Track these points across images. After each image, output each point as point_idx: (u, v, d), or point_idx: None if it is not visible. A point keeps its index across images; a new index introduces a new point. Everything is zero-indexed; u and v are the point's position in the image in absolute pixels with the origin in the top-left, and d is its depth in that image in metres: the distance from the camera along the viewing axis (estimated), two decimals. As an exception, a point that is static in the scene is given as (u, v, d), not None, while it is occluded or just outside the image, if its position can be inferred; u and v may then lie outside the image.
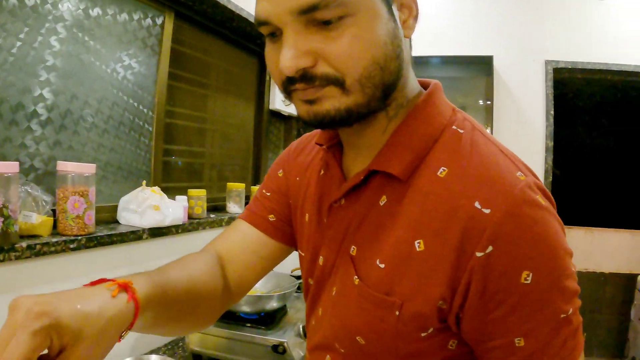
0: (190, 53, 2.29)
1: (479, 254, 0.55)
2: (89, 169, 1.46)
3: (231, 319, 1.60)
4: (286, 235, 0.92)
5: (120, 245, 1.60)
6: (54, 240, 1.34)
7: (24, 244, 1.25)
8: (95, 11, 1.69)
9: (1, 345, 0.44)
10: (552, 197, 0.60)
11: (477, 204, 0.56)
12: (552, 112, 3.58)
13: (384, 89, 0.62)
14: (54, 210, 1.44)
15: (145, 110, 1.97)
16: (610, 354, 3.76)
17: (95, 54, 1.70)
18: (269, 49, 0.64)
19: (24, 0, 1.42)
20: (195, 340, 1.57)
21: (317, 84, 0.59)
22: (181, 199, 2.00)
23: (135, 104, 1.91)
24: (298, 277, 1.97)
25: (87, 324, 0.50)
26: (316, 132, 0.87)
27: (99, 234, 1.50)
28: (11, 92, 1.41)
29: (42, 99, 1.50)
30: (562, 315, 0.55)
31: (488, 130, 0.69)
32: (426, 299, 0.59)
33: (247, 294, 0.95)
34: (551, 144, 3.59)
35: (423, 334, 0.62)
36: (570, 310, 0.56)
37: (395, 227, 0.64)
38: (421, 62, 3.66)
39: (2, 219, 1.18)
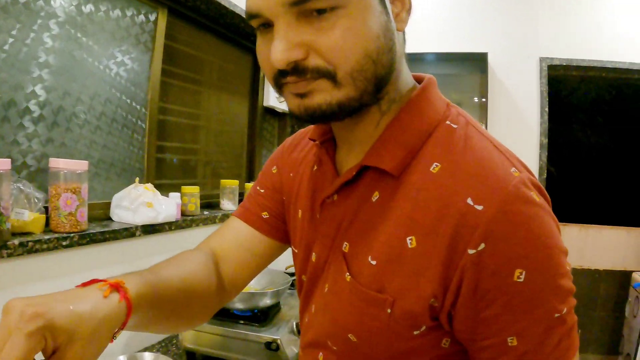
0: (184, 50, 2.28)
1: (471, 252, 0.54)
2: (81, 165, 1.45)
3: (225, 316, 1.60)
4: (280, 232, 0.91)
5: (113, 242, 1.59)
6: (46, 237, 1.33)
7: (16, 242, 1.24)
8: (88, 7, 1.67)
9: None
10: (547, 194, 0.60)
11: (469, 201, 0.56)
12: (547, 109, 3.58)
13: (376, 83, 0.61)
14: (46, 208, 1.43)
15: (138, 107, 1.96)
16: (605, 350, 3.77)
17: (88, 50, 1.69)
18: (260, 43, 0.63)
19: (16, -4, 1.42)
20: (188, 338, 1.57)
21: (308, 76, 0.58)
22: (174, 196, 1.99)
23: (128, 101, 1.90)
24: (292, 274, 1.97)
25: (80, 324, 0.50)
26: (310, 128, 0.86)
27: (92, 231, 1.49)
28: (3, 89, 1.40)
29: (34, 96, 1.49)
30: (556, 315, 0.54)
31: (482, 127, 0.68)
32: (418, 296, 0.59)
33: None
34: (546, 141, 3.59)
35: (415, 332, 0.61)
36: (565, 310, 0.55)
37: (387, 223, 0.63)
38: (415, 59, 3.65)
39: (-7, 217, 1.18)
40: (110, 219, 1.75)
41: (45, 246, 1.32)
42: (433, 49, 3.65)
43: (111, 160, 1.83)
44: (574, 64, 3.56)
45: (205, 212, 2.23)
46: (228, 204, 2.44)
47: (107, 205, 1.75)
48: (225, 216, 2.27)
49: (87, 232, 1.47)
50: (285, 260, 0.97)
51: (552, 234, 0.55)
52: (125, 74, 1.88)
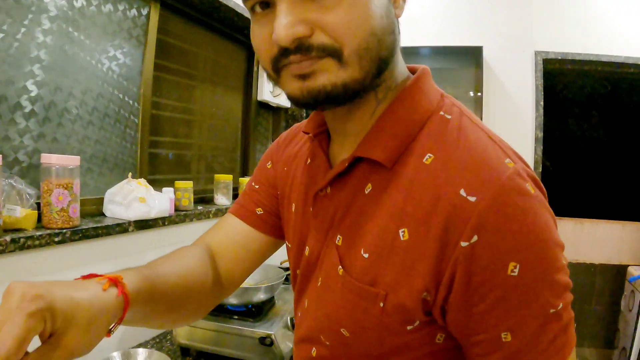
0: (177, 44, 2.27)
1: (463, 244, 0.53)
2: (73, 161, 1.44)
3: (219, 311, 1.60)
4: (275, 228, 0.91)
5: (105, 238, 1.58)
6: (39, 233, 1.32)
7: (7, 238, 1.23)
8: (80, 2, 1.66)
9: None
10: (542, 186, 0.58)
11: (462, 192, 0.55)
12: (542, 103, 3.58)
13: (379, 64, 0.60)
14: (38, 204, 1.42)
15: (130, 101, 1.94)
16: (600, 344, 3.79)
17: (80, 45, 1.68)
18: (256, 25, 0.61)
19: (6, -9, 1.40)
20: (182, 334, 1.56)
21: (313, 55, 0.56)
22: (167, 191, 1.98)
23: (121, 96, 1.89)
24: (286, 269, 1.97)
25: (79, 311, 0.51)
26: (305, 122, 0.86)
27: (84, 227, 1.48)
28: (-6, 84, 1.39)
29: (25, 91, 1.47)
30: (552, 310, 0.53)
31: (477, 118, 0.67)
32: (410, 290, 0.58)
33: (234, 286, 0.95)
34: (541, 134, 3.59)
35: (409, 327, 0.60)
36: (561, 305, 0.54)
37: (379, 215, 0.62)
38: (410, 53, 3.63)
39: (-16, 213, 1.17)
40: (103, 214, 1.74)
41: (37, 242, 1.31)
42: (427, 42, 3.65)
43: (104, 156, 1.82)
44: (569, 58, 3.56)
45: (199, 207, 2.22)
46: (222, 199, 2.43)
47: (100, 201, 1.74)
48: (219, 211, 2.27)
49: (80, 228, 1.46)
50: (280, 255, 0.97)
51: (547, 226, 0.54)
52: (118, 68, 1.86)
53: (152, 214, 1.76)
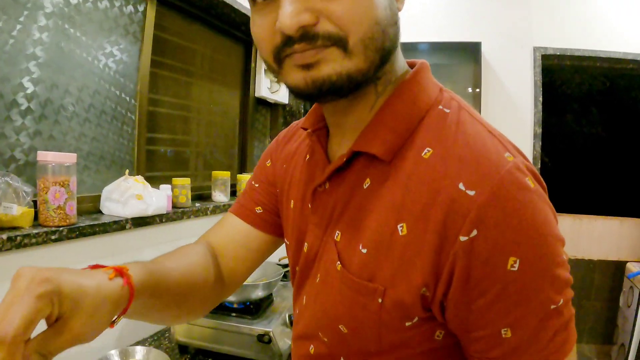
0: (174, 40, 2.25)
1: (462, 239, 0.53)
2: (69, 158, 1.43)
3: (217, 308, 1.59)
4: (274, 226, 0.91)
5: (103, 235, 1.57)
6: (35, 231, 1.32)
7: (4, 236, 1.23)
8: (75, -2, 1.65)
9: (6, 309, 0.46)
10: (542, 180, 0.58)
11: (461, 186, 0.54)
12: (541, 99, 3.58)
13: (383, 55, 0.60)
14: (35, 202, 1.41)
15: (127, 98, 1.93)
16: (599, 340, 3.80)
17: (76, 41, 1.67)
18: (258, 15, 0.60)
19: (2, -13, 1.39)
20: (181, 331, 1.56)
21: (319, 43, 0.55)
22: (165, 188, 1.97)
23: (117, 92, 1.88)
24: (285, 266, 1.97)
25: (86, 296, 0.53)
26: (303, 119, 0.86)
27: (81, 224, 1.47)
28: (-11, 81, 1.38)
29: (21, 89, 1.46)
30: (552, 306, 0.53)
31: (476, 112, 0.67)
32: (409, 285, 0.57)
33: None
34: (539, 130, 3.58)
35: (407, 324, 0.60)
36: (561, 301, 0.53)
37: (378, 210, 0.62)
38: (408, 48, 3.62)
39: (-21, 211, 1.16)
40: (100, 212, 1.73)
41: (34, 240, 1.31)
42: (426, 38, 3.64)
43: (100, 153, 1.81)
44: (568, 54, 3.56)
45: (197, 204, 2.21)
46: (220, 196, 2.42)
47: (97, 198, 1.73)
48: (217, 208, 2.26)
49: (77, 225, 1.45)
50: (279, 251, 0.98)
51: (547, 221, 0.53)
52: (114, 65, 1.86)
53: (150, 211, 1.75)
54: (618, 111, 3.91)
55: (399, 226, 0.59)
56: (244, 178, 2.65)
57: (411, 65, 0.71)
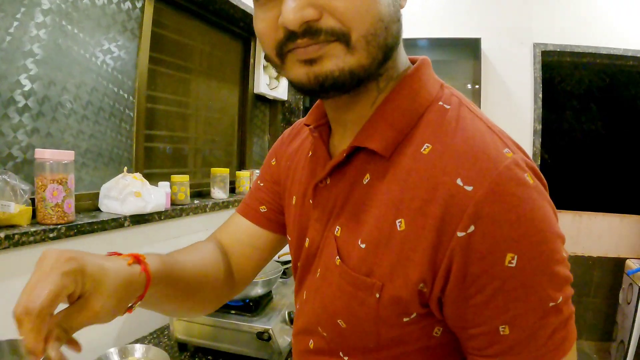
0: (172, 37, 2.25)
1: (460, 234, 0.53)
2: (67, 156, 1.42)
3: (216, 306, 1.59)
4: (279, 225, 0.93)
5: (101, 233, 1.57)
6: (33, 229, 1.31)
7: (2, 234, 1.22)
8: (73, -6, 1.64)
9: (34, 284, 0.51)
10: (542, 177, 0.58)
11: (459, 181, 0.54)
12: (541, 96, 3.57)
13: (385, 51, 0.60)
14: (33, 200, 1.41)
15: (125, 95, 1.93)
16: (598, 337, 3.81)
17: (74, 38, 1.66)
18: (260, 10, 0.60)
19: (-1, -16, 1.38)
20: (180, 329, 1.56)
21: (321, 39, 0.55)
22: (163, 185, 1.97)
23: (115, 89, 1.87)
24: (284, 263, 1.97)
25: (107, 277, 0.57)
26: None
27: (79, 222, 1.47)
28: (-13, 79, 1.37)
29: (19, 86, 1.46)
30: (551, 304, 0.52)
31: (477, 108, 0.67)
32: (406, 281, 0.57)
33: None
34: (539, 127, 3.58)
35: (405, 319, 0.60)
36: (561, 299, 0.53)
37: (377, 206, 0.62)
38: (408, 45, 3.53)
39: (-24, 208, 1.16)
40: (98, 209, 1.72)
41: (32, 238, 1.31)
42: (425, 34, 3.62)
43: (99, 150, 1.80)
44: (568, 50, 3.54)
45: (196, 201, 2.20)
46: (219, 193, 2.42)
47: (96, 196, 1.73)
48: (216, 205, 2.26)
49: (75, 223, 1.45)
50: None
51: (546, 217, 0.53)
52: (112, 62, 1.85)
53: (148, 209, 1.75)
54: (618, 108, 3.91)
55: (397, 222, 0.59)
56: (243, 175, 2.64)
57: (413, 62, 0.71)
